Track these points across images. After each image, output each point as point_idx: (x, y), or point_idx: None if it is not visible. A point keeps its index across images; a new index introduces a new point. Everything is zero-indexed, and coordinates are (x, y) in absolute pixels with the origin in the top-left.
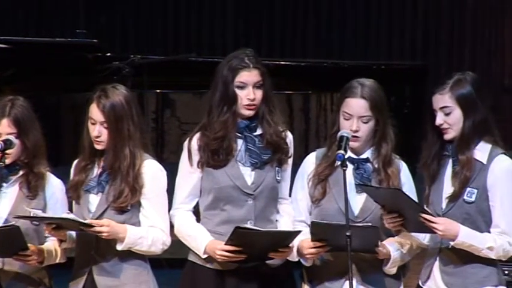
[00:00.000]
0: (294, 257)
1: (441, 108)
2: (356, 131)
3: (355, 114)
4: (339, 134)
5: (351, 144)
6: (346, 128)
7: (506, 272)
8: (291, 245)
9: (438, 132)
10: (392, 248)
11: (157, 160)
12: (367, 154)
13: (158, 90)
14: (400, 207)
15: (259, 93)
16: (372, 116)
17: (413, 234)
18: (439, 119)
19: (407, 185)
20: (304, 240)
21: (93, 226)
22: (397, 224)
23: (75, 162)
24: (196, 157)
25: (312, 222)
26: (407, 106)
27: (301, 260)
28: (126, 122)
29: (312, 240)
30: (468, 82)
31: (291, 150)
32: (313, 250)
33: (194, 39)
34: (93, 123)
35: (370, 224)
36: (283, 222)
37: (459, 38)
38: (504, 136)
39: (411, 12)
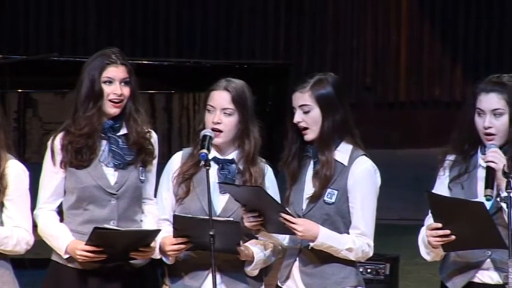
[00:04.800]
0: (156, 254)
1: (300, 106)
2: (218, 123)
3: (218, 106)
4: (202, 133)
5: (215, 140)
6: (209, 121)
7: (368, 270)
8: (152, 244)
9: (298, 130)
10: (256, 249)
11: (20, 160)
12: (233, 155)
13: (20, 90)
14: (261, 207)
15: (126, 90)
16: (235, 110)
17: (273, 234)
18: (297, 116)
19: (272, 189)
20: (166, 237)
21: None
22: (257, 223)
23: None
24: (59, 157)
25: (174, 216)
26: (269, 105)
27: (163, 258)
28: None
29: (174, 236)
30: (329, 83)
31: (156, 151)
32: (175, 247)
33: (56, 38)
34: None
35: (232, 219)
36: (147, 222)
37: (321, 36)
38: (365, 134)
39: (273, 11)
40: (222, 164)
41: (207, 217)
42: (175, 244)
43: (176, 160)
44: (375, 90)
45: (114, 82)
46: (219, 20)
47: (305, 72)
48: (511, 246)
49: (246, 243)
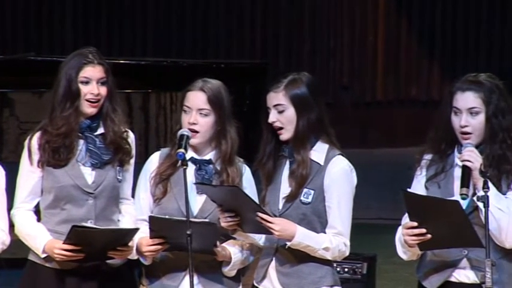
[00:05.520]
0: (133, 255)
1: (275, 106)
2: (194, 124)
3: (194, 107)
4: (179, 132)
5: (191, 141)
6: (185, 121)
7: (346, 269)
8: (130, 244)
9: (273, 130)
10: (233, 250)
11: None
12: (210, 155)
13: None
14: (238, 207)
15: (103, 90)
16: (211, 111)
17: (249, 234)
18: (272, 116)
19: (249, 189)
20: (143, 238)
21: None
22: (233, 223)
23: None
24: (36, 156)
25: (150, 217)
26: (247, 105)
27: (140, 259)
28: None
29: (151, 237)
30: (303, 82)
31: (134, 151)
32: (151, 248)
33: (33, 38)
34: None
35: (208, 220)
36: (125, 222)
37: (298, 37)
38: (342, 134)
39: (250, 11)
40: (199, 164)
41: (183, 218)
42: (152, 245)
43: (154, 160)
44: (352, 89)
45: (91, 82)
46: (196, 19)
47: (282, 72)
48: (487, 245)
49: (224, 244)
